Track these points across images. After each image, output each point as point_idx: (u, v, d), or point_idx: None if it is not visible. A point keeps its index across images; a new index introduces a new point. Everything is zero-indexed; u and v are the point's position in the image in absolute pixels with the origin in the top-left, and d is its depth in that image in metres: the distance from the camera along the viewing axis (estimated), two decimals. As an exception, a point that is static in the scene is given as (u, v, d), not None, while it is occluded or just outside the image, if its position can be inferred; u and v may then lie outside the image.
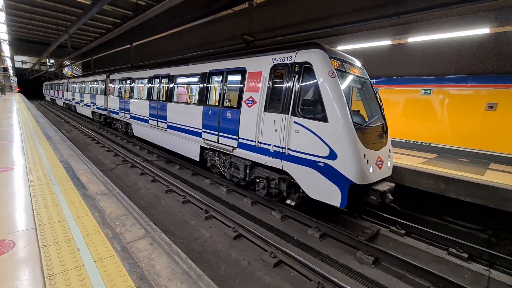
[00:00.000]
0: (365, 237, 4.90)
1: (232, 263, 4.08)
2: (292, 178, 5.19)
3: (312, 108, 4.84)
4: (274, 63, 5.42)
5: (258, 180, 6.16)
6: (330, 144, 4.44)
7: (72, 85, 23.23)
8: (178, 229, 5.02)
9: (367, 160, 4.47)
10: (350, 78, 5.17)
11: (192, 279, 2.29)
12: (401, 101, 9.26)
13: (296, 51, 5.08)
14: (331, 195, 4.55)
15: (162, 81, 9.41)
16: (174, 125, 8.57)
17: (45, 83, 41.33)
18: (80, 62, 35.43)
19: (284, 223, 5.48)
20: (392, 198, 4.79)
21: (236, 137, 6.14)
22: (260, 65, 5.72)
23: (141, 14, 9.73)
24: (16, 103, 21.10)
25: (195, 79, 7.77)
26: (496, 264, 4.48)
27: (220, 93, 6.72)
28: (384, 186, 4.75)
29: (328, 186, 4.54)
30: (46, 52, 24.03)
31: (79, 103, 21.37)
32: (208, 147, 7.30)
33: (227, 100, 6.69)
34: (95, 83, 16.80)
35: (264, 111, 5.47)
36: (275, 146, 5.28)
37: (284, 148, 5.08)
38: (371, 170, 4.53)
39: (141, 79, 11.07)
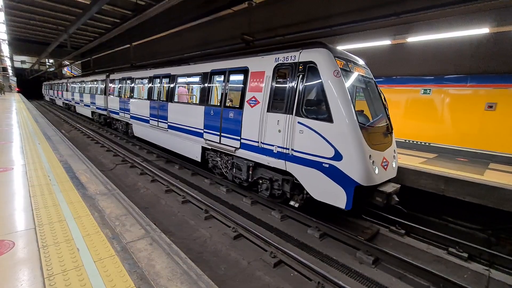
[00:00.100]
0: (365, 237, 4.90)
1: (232, 263, 4.08)
2: (296, 179, 5.13)
3: (317, 108, 4.77)
4: (277, 63, 5.36)
5: (261, 181, 6.10)
6: (335, 145, 4.37)
7: (72, 85, 23.19)
8: (178, 229, 5.01)
9: (373, 161, 4.40)
10: (355, 77, 5.10)
11: (192, 279, 2.28)
12: (400, 101, 9.26)
13: (300, 51, 5.02)
14: (336, 197, 4.48)
15: (163, 81, 9.35)
16: (175, 125, 8.52)
17: (44, 83, 41.28)
18: (80, 62, 35.39)
19: (284, 223, 5.48)
20: (398, 199, 4.71)
21: (239, 138, 6.07)
22: (263, 64, 5.65)
23: (141, 14, 9.73)
24: (16, 103, 21.07)
25: (197, 78, 7.71)
26: (496, 264, 4.49)
27: (222, 93, 6.66)
28: (390, 188, 4.68)
29: (333, 188, 4.48)
30: (46, 52, 24.00)
31: (78, 103, 21.34)
32: (210, 147, 7.25)
33: (229, 100, 6.62)
34: (95, 83, 16.76)
35: (267, 111, 5.40)
36: (278, 146, 5.22)
37: (288, 149, 5.02)
38: (376, 171, 4.46)
39: (142, 79, 11.00)
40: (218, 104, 6.77)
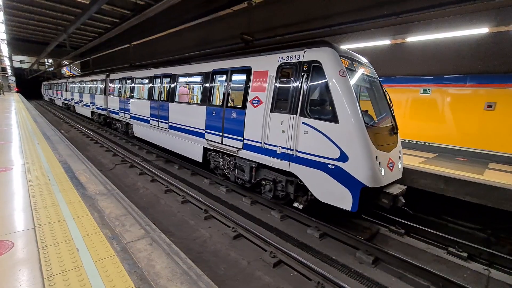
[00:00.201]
0: (365, 237, 4.90)
1: (232, 263, 4.07)
2: (300, 181, 5.05)
3: (322, 108, 4.71)
4: (281, 62, 5.29)
5: (264, 183, 6.02)
6: (340, 146, 4.30)
7: (71, 85, 23.15)
8: (178, 229, 5.01)
9: (379, 162, 4.33)
10: (360, 77, 5.05)
11: (192, 279, 2.28)
12: (400, 101, 9.26)
13: (305, 50, 4.94)
14: (342, 199, 4.41)
15: (164, 80, 9.28)
16: (176, 125, 8.46)
17: (43, 83, 41.22)
18: (79, 61, 35.34)
19: (284, 222, 5.48)
20: (404, 201, 4.60)
21: (241, 138, 6.00)
22: (266, 64, 5.58)
23: (140, 13, 9.71)
24: (15, 103, 21.03)
25: (198, 78, 7.64)
26: (495, 263, 4.49)
27: (224, 93, 6.56)
28: (396, 189, 4.60)
29: (339, 189, 4.40)
30: (45, 51, 23.97)
31: (78, 103, 21.31)
32: (212, 148, 7.18)
33: (231, 100, 6.55)
34: (95, 82, 16.72)
35: (270, 112, 5.33)
36: (282, 147, 5.14)
37: (292, 150, 4.94)
38: (383, 173, 4.38)
39: (142, 78, 10.94)
40: (220, 104, 6.68)
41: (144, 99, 10.48)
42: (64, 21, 21.98)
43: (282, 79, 5.27)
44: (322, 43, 4.86)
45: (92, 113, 18.27)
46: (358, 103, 4.35)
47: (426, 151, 8.59)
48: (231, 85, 6.46)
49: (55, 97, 32.12)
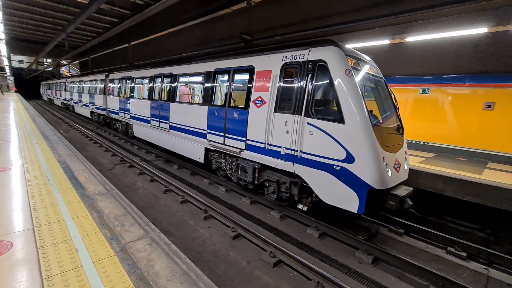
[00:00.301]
0: (364, 237, 4.91)
1: (231, 263, 4.07)
2: (305, 182, 4.99)
3: (327, 108, 4.65)
4: (285, 61, 5.20)
5: (267, 184, 5.94)
6: (347, 147, 4.22)
7: (70, 85, 23.08)
8: (177, 229, 5.00)
9: (386, 164, 4.25)
10: (366, 76, 4.98)
11: (191, 280, 2.28)
12: (399, 101, 9.21)
13: (309, 49, 4.85)
14: (348, 201, 4.33)
15: (165, 80, 9.18)
16: (177, 126, 8.37)
17: (42, 82, 41.13)
18: (78, 61, 35.27)
19: (283, 222, 5.48)
20: (411, 203, 4.51)
21: (244, 139, 5.92)
22: (270, 63, 5.49)
23: (139, 13, 9.69)
24: (13, 102, 20.98)
25: (200, 78, 7.55)
26: (494, 263, 4.50)
27: (226, 93, 6.47)
28: (403, 191, 4.53)
29: (345, 191, 4.33)
30: (43, 51, 23.89)
31: (77, 103, 21.25)
32: (214, 149, 7.10)
33: (233, 100, 6.45)
34: (94, 82, 16.66)
35: (274, 112, 5.25)
36: (286, 148, 5.06)
37: (297, 151, 4.86)
38: (389, 174, 4.31)
39: (142, 78, 10.83)
40: (222, 104, 6.59)
41: (145, 99, 10.37)
42: (63, 21, 21.93)
43: (286, 79, 5.17)
44: (327, 42, 4.77)
45: (92, 113, 18.23)
46: (365, 103, 4.27)
47: (425, 150, 8.61)
48: (234, 85, 6.38)
49: (54, 97, 32.04)
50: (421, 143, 8.90)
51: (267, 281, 3.72)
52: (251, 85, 5.81)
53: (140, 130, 11.29)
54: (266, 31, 11.62)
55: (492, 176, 5.75)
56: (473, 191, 5.28)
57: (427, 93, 8.64)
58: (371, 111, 4.92)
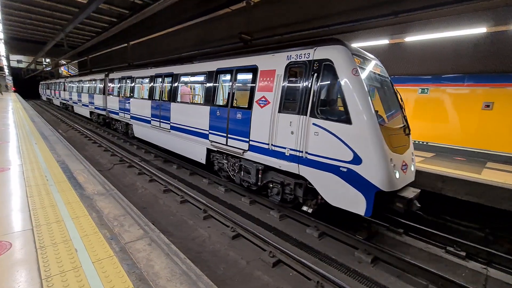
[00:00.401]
0: (364, 236, 4.91)
1: (231, 263, 4.07)
2: (309, 184, 4.90)
3: (334, 109, 4.56)
4: (289, 61, 5.11)
5: (271, 185, 5.81)
6: (354, 148, 4.14)
7: (70, 85, 23.00)
8: (176, 229, 5.00)
9: (394, 165, 4.16)
10: (372, 76, 4.91)
11: (191, 280, 2.27)
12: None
13: (315, 48, 4.77)
14: (355, 203, 4.23)
15: (165, 80, 9.08)
16: (178, 126, 8.27)
17: (41, 82, 41.03)
18: (76, 61, 35.22)
19: (283, 222, 5.48)
20: (419, 205, 4.40)
21: (247, 139, 5.82)
22: (274, 63, 5.40)
23: (138, 12, 9.68)
24: (12, 102, 20.93)
25: (201, 78, 7.45)
26: (493, 262, 4.51)
27: (228, 93, 6.36)
28: (410, 193, 4.43)
29: (352, 193, 4.24)
30: (42, 51, 23.88)
31: (76, 103, 21.19)
32: (216, 149, 7.00)
33: (236, 100, 6.33)
34: (94, 82, 16.58)
35: (278, 112, 5.16)
36: (291, 149, 4.96)
37: (302, 152, 4.77)
38: (397, 176, 4.21)
39: (143, 78, 10.74)
40: (225, 104, 6.51)
41: (145, 99, 10.27)
42: (62, 20, 21.88)
43: (290, 79, 5.08)
44: (333, 40, 4.70)
45: (91, 113, 18.18)
46: (372, 103, 4.18)
47: (424, 150, 8.62)
48: (236, 84, 6.28)
49: (53, 97, 31.95)
50: (421, 142, 8.92)
51: (267, 280, 3.72)
52: (254, 85, 5.73)
53: (140, 130, 11.21)
54: (265, 30, 11.61)
55: (491, 175, 5.76)
56: (472, 190, 5.29)
57: (426, 93, 8.65)
58: (376, 111, 4.81)
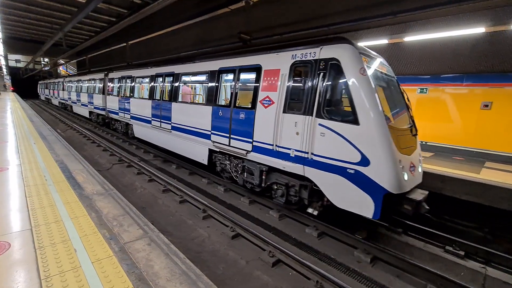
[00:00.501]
0: (363, 236, 4.92)
1: (231, 263, 4.07)
2: (315, 185, 4.79)
3: (341, 109, 4.45)
4: (294, 60, 5.00)
5: (276, 187, 5.69)
6: (361, 149, 4.03)
7: (69, 84, 22.93)
8: (176, 229, 4.99)
9: (402, 167, 4.06)
10: (379, 76, 4.80)
11: (191, 280, 2.27)
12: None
13: (321, 47, 4.67)
14: (363, 206, 4.13)
15: (166, 79, 8.97)
16: (179, 126, 8.16)
17: (40, 82, 40.90)
18: (75, 60, 35.13)
19: (282, 222, 5.48)
20: (428, 207, 4.29)
21: (251, 140, 5.71)
22: (278, 62, 5.29)
23: (137, 12, 9.65)
24: (10, 102, 20.86)
25: (203, 77, 7.34)
26: (492, 262, 4.53)
27: (231, 93, 6.25)
28: (419, 195, 4.32)
29: (359, 196, 4.13)
30: (41, 50, 23.79)
31: (75, 103, 21.11)
32: (218, 150, 6.87)
33: (239, 100, 6.21)
34: (93, 82, 16.49)
35: (283, 112, 5.04)
36: (296, 150, 4.85)
37: (307, 153, 4.67)
38: (406, 178, 4.10)
39: (143, 77, 10.64)
40: (227, 104, 6.39)
41: (146, 98, 10.15)
42: (60, 20, 21.82)
43: (295, 78, 4.97)
44: (339, 39, 4.60)
45: (90, 113, 18.10)
46: (380, 103, 4.07)
47: (423, 150, 8.61)
48: (239, 84, 6.16)
49: (51, 97, 31.84)
50: (420, 142, 8.92)
51: (266, 280, 3.72)
52: (258, 84, 5.61)
53: (140, 131, 11.10)
54: (264, 30, 11.60)
55: (490, 175, 5.78)
56: (471, 190, 5.30)
57: (425, 92, 8.67)
58: (384, 112, 4.68)
